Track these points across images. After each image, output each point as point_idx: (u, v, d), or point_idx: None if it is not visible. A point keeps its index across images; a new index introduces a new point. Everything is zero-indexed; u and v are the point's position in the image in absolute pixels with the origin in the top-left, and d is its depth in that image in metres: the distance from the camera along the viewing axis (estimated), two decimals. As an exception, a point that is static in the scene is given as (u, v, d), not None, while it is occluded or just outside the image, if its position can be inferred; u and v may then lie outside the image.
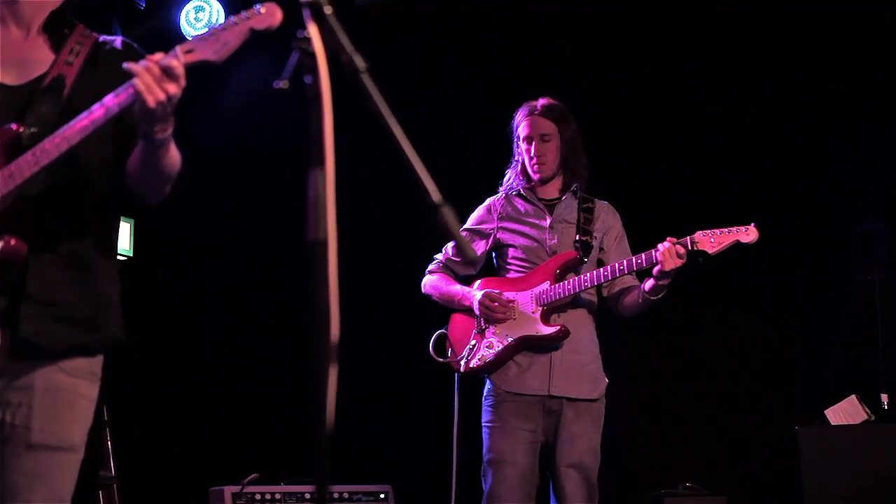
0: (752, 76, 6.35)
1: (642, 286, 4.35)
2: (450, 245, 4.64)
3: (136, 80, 2.31)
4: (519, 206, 4.57)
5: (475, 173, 5.07)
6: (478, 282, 4.59)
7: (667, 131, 6.39)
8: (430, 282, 4.68)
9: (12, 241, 2.42)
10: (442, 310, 4.65)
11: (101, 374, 2.64)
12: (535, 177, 4.51)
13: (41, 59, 2.65)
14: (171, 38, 6.26)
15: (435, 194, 1.87)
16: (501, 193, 4.63)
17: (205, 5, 6.48)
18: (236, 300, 6.56)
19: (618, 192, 4.78)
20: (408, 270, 4.92)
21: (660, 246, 4.17)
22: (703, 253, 4.18)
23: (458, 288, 4.59)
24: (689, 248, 4.17)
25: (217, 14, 6.45)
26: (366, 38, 2.10)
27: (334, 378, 1.81)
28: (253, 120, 6.36)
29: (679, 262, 4.15)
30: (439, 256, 4.70)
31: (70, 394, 2.55)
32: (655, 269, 4.21)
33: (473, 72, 6.60)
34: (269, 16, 2.33)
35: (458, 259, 4.63)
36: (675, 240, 4.17)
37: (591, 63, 6.50)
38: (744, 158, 6.32)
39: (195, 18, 6.51)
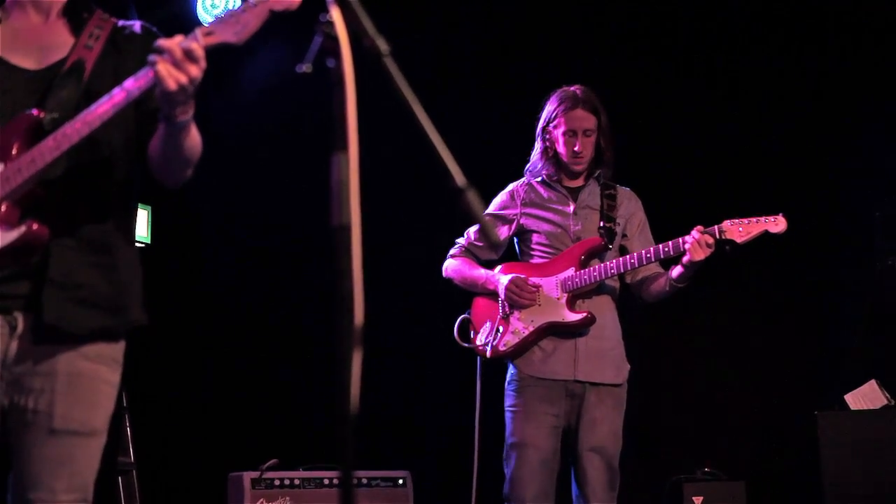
0: (770, 62, 6.31)
1: (669, 274, 4.34)
2: (472, 229, 4.63)
3: (156, 64, 2.30)
4: (542, 192, 4.55)
5: (492, 157, 5.05)
6: (500, 266, 4.59)
7: (683, 118, 6.36)
8: (452, 266, 4.67)
9: (34, 226, 2.42)
10: (462, 294, 4.64)
11: (122, 360, 2.64)
12: (576, 169, 4.49)
13: (60, 43, 2.64)
14: (187, 23, 6.22)
15: (459, 178, 1.86)
16: (525, 179, 4.62)
17: (221, -9, 6.47)
18: (254, 286, 6.56)
19: (635, 178, 4.75)
20: (428, 254, 4.91)
21: (688, 236, 4.17)
22: (731, 242, 4.17)
23: (481, 272, 4.58)
24: (718, 237, 4.16)
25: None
26: (385, 20, 2.08)
27: (358, 363, 1.80)
28: (274, 103, 6.34)
29: (708, 252, 4.15)
30: (461, 241, 4.69)
31: (92, 379, 2.56)
32: (685, 259, 4.20)
33: (494, 54, 6.56)
34: None
35: (480, 243, 4.62)
36: (702, 229, 4.17)
37: (612, 48, 6.47)
38: (762, 144, 6.29)
39: (212, 4, 6.50)
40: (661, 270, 4.44)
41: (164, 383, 6.14)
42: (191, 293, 6.44)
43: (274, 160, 6.46)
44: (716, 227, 4.18)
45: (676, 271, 4.30)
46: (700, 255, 4.15)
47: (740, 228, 4.17)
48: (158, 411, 6.05)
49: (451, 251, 4.71)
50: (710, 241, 4.16)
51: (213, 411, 6.32)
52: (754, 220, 4.18)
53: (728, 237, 4.17)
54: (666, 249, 4.26)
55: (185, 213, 6.23)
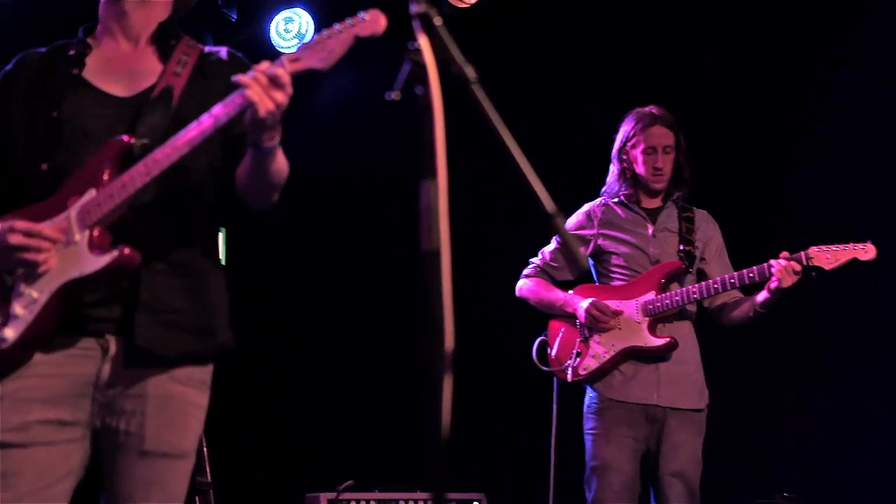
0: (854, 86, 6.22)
1: (754, 299, 4.31)
2: (547, 249, 4.63)
3: (244, 90, 2.34)
4: (620, 213, 4.54)
5: (567, 178, 5.05)
6: (575, 288, 4.57)
7: (752, 141, 6.29)
8: (527, 286, 4.66)
9: (126, 251, 2.46)
10: (537, 315, 4.62)
11: (210, 383, 2.68)
12: (656, 187, 4.48)
13: (149, 70, 2.70)
14: (261, 49, 6.33)
15: (548, 204, 1.87)
16: (601, 199, 4.61)
17: (294, 16, 6.55)
18: (332, 307, 6.59)
19: (708, 200, 4.72)
20: (503, 275, 4.90)
21: (774, 262, 4.13)
22: (819, 269, 4.13)
23: (559, 294, 4.57)
24: (805, 263, 4.12)
25: (306, 25, 6.51)
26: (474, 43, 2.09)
27: (449, 387, 1.81)
28: (360, 129, 6.39)
29: (795, 279, 4.12)
30: (535, 260, 4.69)
31: (182, 402, 2.60)
32: (772, 285, 4.16)
33: (574, 76, 6.54)
34: (372, 22, 2.35)
35: (556, 264, 4.62)
36: (788, 255, 4.13)
37: (684, 70, 6.42)
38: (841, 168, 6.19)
39: (285, 29, 6.58)
40: (742, 296, 4.41)
41: (241, 403, 6.20)
42: (268, 313, 6.49)
43: (359, 185, 6.50)
44: (802, 253, 4.15)
45: (762, 297, 4.26)
46: (788, 282, 4.12)
47: (828, 255, 4.13)
48: (236, 431, 6.11)
49: (526, 271, 4.70)
50: (798, 267, 4.12)
51: (290, 431, 6.36)
52: (842, 247, 4.14)
53: (815, 264, 4.14)
54: (751, 275, 4.22)
55: (262, 236, 6.29)
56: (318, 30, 6.33)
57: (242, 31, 6.52)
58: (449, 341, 1.82)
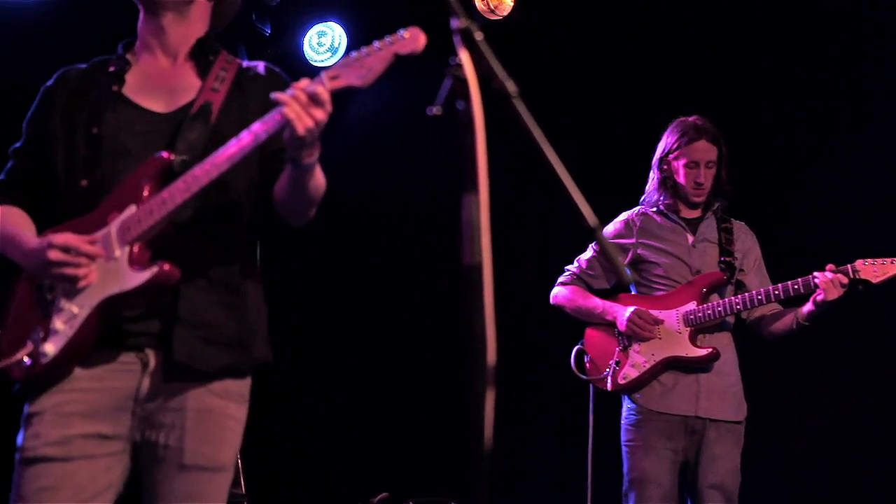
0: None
1: (799, 311, 4.29)
2: (583, 257, 4.62)
3: (283, 108, 2.35)
4: (659, 222, 4.53)
5: (601, 186, 5.04)
6: (612, 298, 4.55)
7: (793, 151, 6.25)
8: (563, 294, 4.65)
9: (165, 266, 2.47)
10: (572, 324, 4.60)
11: (248, 396, 2.69)
12: (696, 200, 4.47)
13: (188, 85, 2.71)
14: (295, 62, 6.36)
15: (591, 218, 1.87)
16: (640, 208, 4.59)
17: (327, 30, 6.58)
18: (367, 320, 6.60)
19: (747, 211, 4.69)
20: (537, 282, 4.89)
21: (819, 274, 4.11)
22: (866, 282, 4.10)
23: (598, 301, 4.55)
24: (851, 276, 4.10)
25: (339, 38, 6.53)
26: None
27: (491, 402, 1.81)
28: (402, 144, 6.41)
29: (841, 292, 4.10)
30: (571, 268, 4.67)
31: (220, 415, 2.61)
32: (818, 297, 4.14)
33: (616, 87, 6.53)
34: (412, 40, 2.35)
35: (592, 272, 4.60)
36: (834, 268, 4.11)
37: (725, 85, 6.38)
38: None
39: (318, 43, 6.61)
40: (781, 308, 4.38)
41: (276, 415, 6.22)
42: (305, 326, 6.51)
43: (399, 200, 6.52)
44: (849, 266, 4.12)
45: (807, 309, 4.23)
46: (834, 295, 4.10)
47: (875, 269, 4.10)
48: (271, 443, 6.13)
49: (561, 278, 4.68)
50: (845, 280, 4.10)
51: (324, 443, 6.37)
52: (889, 260, 4.12)
53: (862, 277, 4.11)
54: (795, 287, 4.20)
55: (305, 248, 6.30)
56: (350, 43, 6.37)
57: (276, 44, 6.55)
58: (491, 356, 1.81)
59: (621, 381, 4.40)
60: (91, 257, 2.50)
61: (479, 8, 6.05)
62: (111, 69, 2.75)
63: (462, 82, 1.90)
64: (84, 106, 2.68)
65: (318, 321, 6.59)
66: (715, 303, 4.32)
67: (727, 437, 4.32)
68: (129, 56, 2.79)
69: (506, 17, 6.12)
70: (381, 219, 6.58)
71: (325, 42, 6.60)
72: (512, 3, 6.09)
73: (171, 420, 2.57)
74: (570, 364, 4.53)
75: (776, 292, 4.23)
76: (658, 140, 4.56)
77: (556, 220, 5.93)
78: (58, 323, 2.53)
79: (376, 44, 2.37)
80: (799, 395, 6.20)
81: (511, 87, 1.93)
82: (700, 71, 6.32)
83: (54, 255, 2.49)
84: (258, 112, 2.49)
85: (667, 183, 4.50)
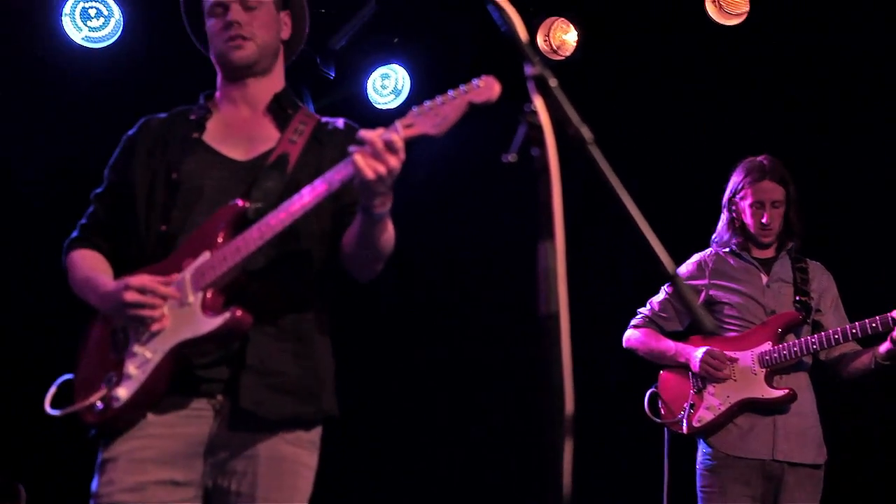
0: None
1: (877, 350, 4.21)
2: (656, 299, 4.58)
3: (356, 156, 2.36)
4: (732, 263, 4.47)
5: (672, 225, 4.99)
6: (685, 340, 4.50)
7: (865, 190, 6.16)
8: (635, 337, 4.60)
9: (238, 313, 2.49)
10: (645, 366, 4.55)
11: (319, 443, 2.69)
12: (764, 241, 4.42)
13: (266, 136, 2.75)
14: (358, 105, 6.40)
15: (669, 264, 1.84)
16: (711, 249, 4.55)
17: (391, 72, 6.61)
18: (446, 371, 6.57)
19: (822, 251, 4.63)
20: (608, 326, 4.85)
21: None
22: None
23: (670, 344, 4.49)
24: None
25: (403, 81, 6.56)
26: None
27: (570, 451, 1.79)
28: (476, 193, 6.42)
29: None
30: (643, 310, 4.62)
31: (293, 463, 2.61)
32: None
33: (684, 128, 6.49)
34: (487, 89, 2.35)
35: (665, 314, 4.55)
36: None
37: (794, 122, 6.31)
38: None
39: (382, 86, 6.65)
40: (859, 347, 4.30)
41: (345, 464, 6.20)
42: (379, 374, 6.48)
43: (474, 249, 6.52)
44: None
45: (885, 348, 4.15)
46: None
47: None
48: (339, 493, 6.12)
49: (633, 321, 4.64)
50: None
51: (400, 495, 6.35)
52: None
53: None
54: (874, 325, 4.12)
55: (380, 294, 6.31)
56: (413, 86, 6.40)
57: (340, 87, 6.60)
58: (569, 405, 1.79)
59: (696, 424, 4.33)
60: (164, 298, 2.52)
61: (541, 48, 6.05)
62: (192, 118, 2.80)
63: (537, 129, 1.90)
64: (164, 153, 2.73)
65: (392, 374, 6.57)
66: (791, 342, 4.25)
67: (805, 484, 4.22)
68: (209, 105, 2.84)
69: (568, 58, 6.12)
70: (455, 268, 6.57)
71: (388, 85, 6.63)
72: (575, 44, 6.08)
73: (242, 467, 2.57)
74: (644, 408, 4.48)
75: (853, 331, 4.16)
76: (727, 180, 4.53)
77: (625, 260, 5.90)
78: (131, 367, 2.55)
79: (451, 92, 2.37)
80: (876, 440, 6.07)
81: (587, 133, 1.91)
82: (776, 109, 6.26)
83: (131, 296, 2.52)
84: (335, 163, 2.50)
85: (735, 223, 4.45)
